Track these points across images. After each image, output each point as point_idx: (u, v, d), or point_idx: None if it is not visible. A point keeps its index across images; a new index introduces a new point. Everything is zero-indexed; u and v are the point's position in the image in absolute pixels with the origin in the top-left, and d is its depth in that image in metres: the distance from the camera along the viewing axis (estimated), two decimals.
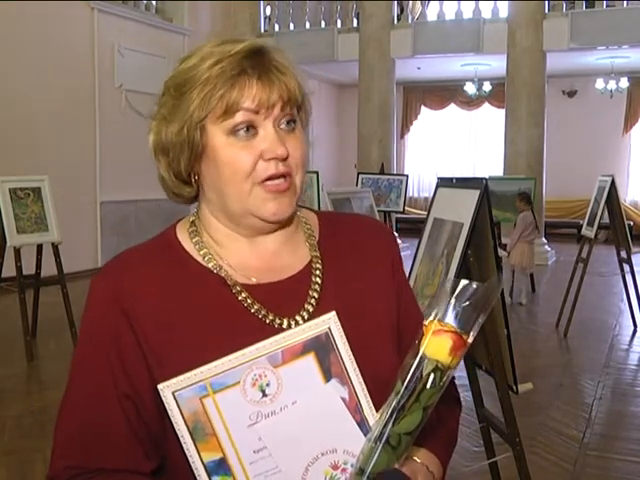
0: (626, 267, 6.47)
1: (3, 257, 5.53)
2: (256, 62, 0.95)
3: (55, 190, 5.78)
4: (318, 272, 1.03)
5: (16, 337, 5.56)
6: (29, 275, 5.65)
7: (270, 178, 0.96)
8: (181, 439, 0.85)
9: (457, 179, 2.75)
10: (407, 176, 9.71)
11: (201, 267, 1.00)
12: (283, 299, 0.99)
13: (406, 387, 0.85)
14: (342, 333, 0.88)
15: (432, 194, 2.76)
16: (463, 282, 0.87)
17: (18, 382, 4.94)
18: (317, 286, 1.02)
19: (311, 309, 1.00)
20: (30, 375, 5.16)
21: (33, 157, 8.18)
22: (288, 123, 0.97)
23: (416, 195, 15.72)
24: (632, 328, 6.54)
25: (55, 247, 5.56)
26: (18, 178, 5.65)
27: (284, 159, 0.95)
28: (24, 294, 5.35)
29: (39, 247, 5.68)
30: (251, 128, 0.95)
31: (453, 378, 1.03)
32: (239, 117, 0.94)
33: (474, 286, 0.87)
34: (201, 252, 1.01)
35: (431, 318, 0.86)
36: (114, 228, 9.75)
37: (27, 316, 5.39)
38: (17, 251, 5.34)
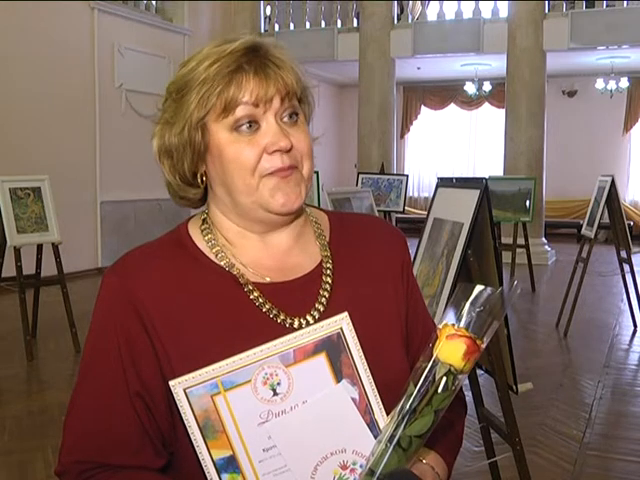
0: (626, 267, 6.45)
1: (3, 257, 5.52)
2: (252, 58, 0.96)
3: (55, 190, 5.76)
4: (329, 272, 1.04)
5: (16, 337, 5.55)
6: (29, 275, 5.64)
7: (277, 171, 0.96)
8: (191, 436, 0.85)
9: (457, 179, 2.75)
10: (407, 176, 9.70)
11: (213, 265, 1.00)
12: (294, 299, 1.00)
13: (418, 390, 0.86)
14: (354, 334, 0.89)
15: (432, 194, 2.76)
16: (478, 287, 0.88)
17: (18, 382, 4.93)
18: (328, 286, 1.02)
19: (322, 309, 1.00)
20: (30, 375, 5.15)
21: (33, 157, 8.17)
22: (291, 116, 0.98)
23: (416, 195, 15.71)
24: (632, 328, 6.52)
25: (55, 247, 5.55)
26: (18, 178, 5.64)
27: (288, 151, 0.96)
28: (24, 294, 5.34)
29: (39, 247, 5.66)
30: (253, 123, 0.95)
31: None
32: (239, 112, 0.94)
33: (489, 291, 0.87)
34: (213, 250, 1.01)
35: (445, 322, 0.86)
36: (114, 228, 9.74)
37: (27, 316, 5.38)
38: (17, 251, 5.33)
